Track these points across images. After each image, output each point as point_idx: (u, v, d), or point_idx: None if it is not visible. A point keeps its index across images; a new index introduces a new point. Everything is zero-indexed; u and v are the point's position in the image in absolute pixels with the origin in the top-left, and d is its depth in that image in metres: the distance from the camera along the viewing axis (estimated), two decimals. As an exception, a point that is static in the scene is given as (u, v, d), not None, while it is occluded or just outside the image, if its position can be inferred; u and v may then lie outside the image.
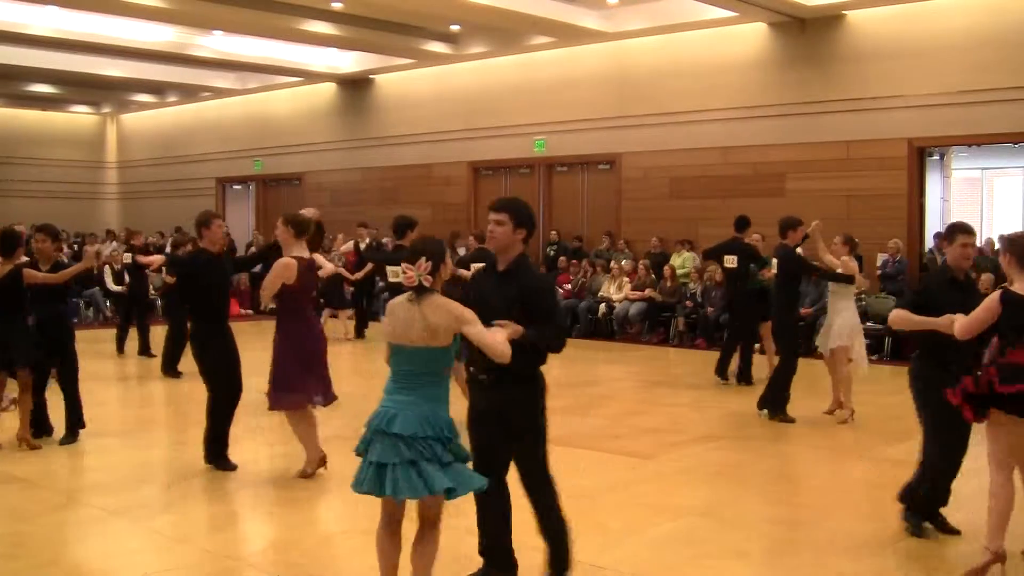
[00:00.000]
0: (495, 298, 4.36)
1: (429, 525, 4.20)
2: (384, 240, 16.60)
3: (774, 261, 9.48)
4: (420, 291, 4.10)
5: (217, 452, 7.09)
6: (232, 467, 7.08)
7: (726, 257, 11.43)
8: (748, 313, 11.42)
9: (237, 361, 7.20)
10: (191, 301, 7.34)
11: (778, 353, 9.53)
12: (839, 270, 8.92)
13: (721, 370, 11.45)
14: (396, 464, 3.96)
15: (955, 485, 5.57)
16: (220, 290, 7.26)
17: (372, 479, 4.02)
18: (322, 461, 6.93)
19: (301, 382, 6.76)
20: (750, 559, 5.32)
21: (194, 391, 10.39)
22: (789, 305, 9.35)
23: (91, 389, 10.94)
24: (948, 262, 5.56)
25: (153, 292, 19.18)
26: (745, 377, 11.35)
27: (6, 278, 7.58)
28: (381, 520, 4.23)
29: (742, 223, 11.48)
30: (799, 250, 9.48)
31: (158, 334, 13.94)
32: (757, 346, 12.00)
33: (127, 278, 14.14)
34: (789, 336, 9.42)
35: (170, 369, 11.73)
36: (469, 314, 4.08)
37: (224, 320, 7.20)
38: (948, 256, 5.57)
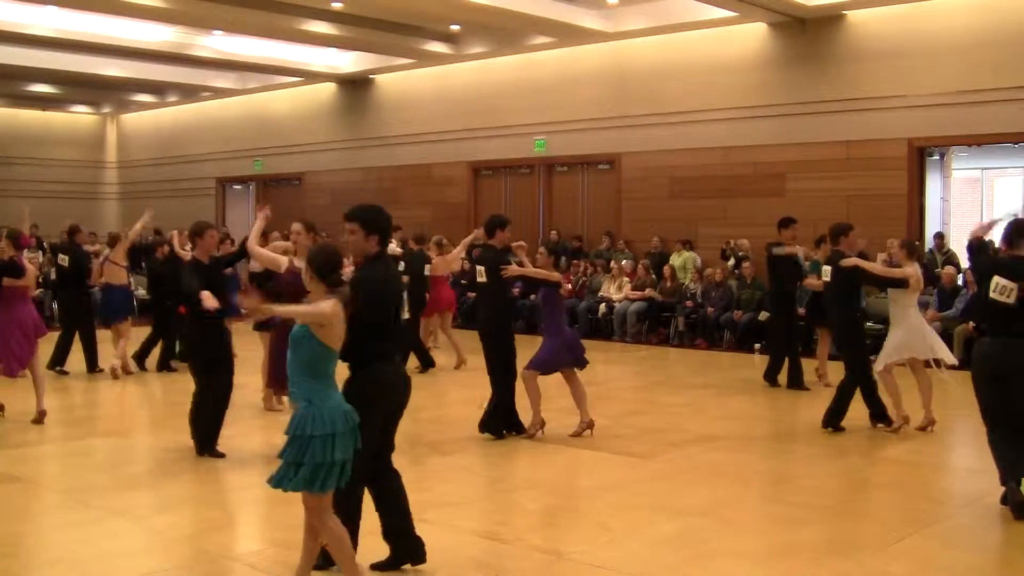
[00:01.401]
0: None
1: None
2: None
3: (826, 268, 8.94)
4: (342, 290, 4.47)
5: (206, 442, 7.47)
6: (220, 455, 7.45)
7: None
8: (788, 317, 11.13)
9: (224, 360, 7.54)
10: (184, 304, 7.67)
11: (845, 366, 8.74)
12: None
13: (797, 379, 10.95)
14: None
15: (960, 486, 5.57)
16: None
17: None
18: None
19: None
20: (750, 559, 5.32)
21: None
22: (848, 315, 8.74)
23: (91, 389, 10.98)
24: None
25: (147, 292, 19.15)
26: (771, 379, 11.11)
27: None
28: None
29: (779, 223, 11.18)
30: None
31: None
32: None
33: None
34: (851, 348, 8.74)
35: (140, 364, 12.08)
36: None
37: (215, 323, 7.44)
38: None
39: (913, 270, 8.46)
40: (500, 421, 8.24)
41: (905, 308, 8.49)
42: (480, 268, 8.30)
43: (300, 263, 7.26)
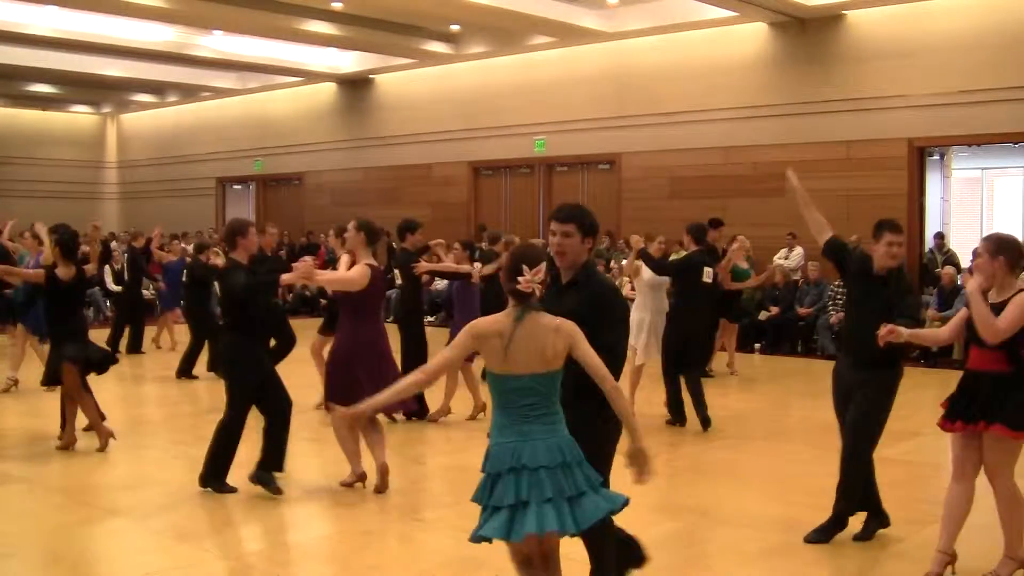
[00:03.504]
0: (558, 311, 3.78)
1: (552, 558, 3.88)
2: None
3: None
4: (526, 302, 3.64)
5: (216, 474, 6.48)
6: (232, 490, 6.50)
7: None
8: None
9: (271, 381, 6.53)
10: (224, 312, 6.72)
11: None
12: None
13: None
14: (550, 499, 3.58)
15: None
16: (255, 302, 6.51)
17: (514, 524, 3.63)
18: (361, 478, 6.51)
19: (351, 390, 6.24)
20: (750, 559, 5.31)
21: (195, 391, 10.42)
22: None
23: (92, 389, 10.96)
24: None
25: (153, 293, 19.20)
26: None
27: (74, 279, 7.61)
28: (519, 563, 3.86)
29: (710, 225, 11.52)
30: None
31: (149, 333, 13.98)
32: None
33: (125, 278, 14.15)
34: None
35: (185, 372, 11.65)
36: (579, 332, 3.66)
37: (258, 334, 6.61)
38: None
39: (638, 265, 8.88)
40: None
41: (645, 298, 9.00)
42: (396, 271, 8.98)
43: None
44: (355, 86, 21.78)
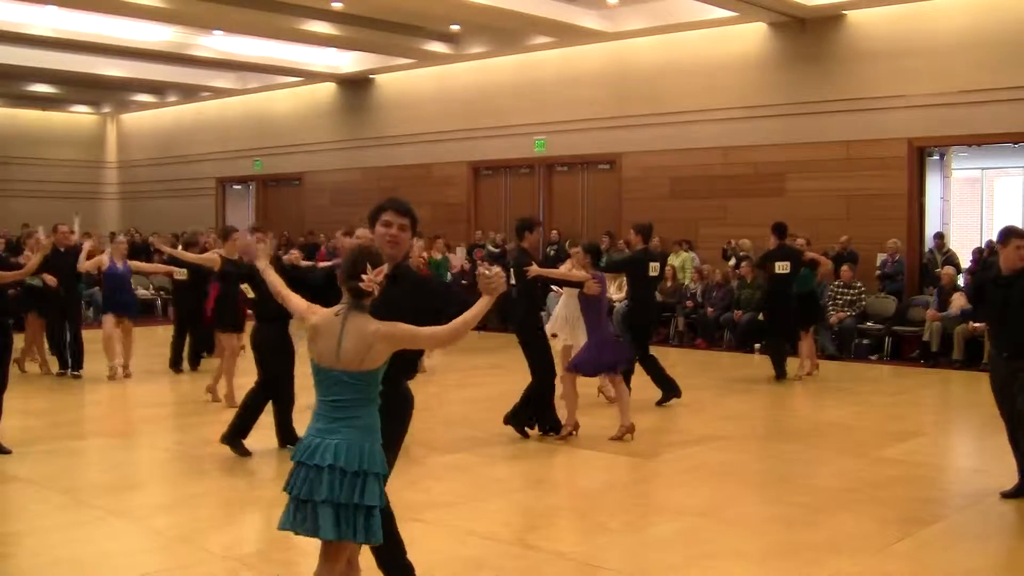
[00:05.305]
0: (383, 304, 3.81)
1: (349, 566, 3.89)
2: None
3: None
4: (360, 300, 3.67)
5: (237, 435, 7.45)
6: (247, 453, 7.44)
7: (778, 264, 11.47)
8: (794, 315, 11.67)
9: (289, 360, 7.62)
10: (261, 303, 7.56)
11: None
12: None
13: (783, 372, 11.58)
14: (325, 502, 3.67)
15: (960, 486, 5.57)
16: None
17: (296, 517, 3.78)
18: None
19: None
20: (750, 559, 5.31)
21: (195, 391, 10.42)
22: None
23: (92, 389, 10.98)
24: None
25: (153, 292, 19.21)
26: (782, 374, 11.54)
27: None
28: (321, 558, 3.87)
29: (783, 229, 11.52)
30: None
31: (160, 335, 13.97)
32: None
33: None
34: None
35: (175, 365, 11.90)
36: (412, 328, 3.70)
37: (283, 320, 7.47)
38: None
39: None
40: (526, 417, 8.21)
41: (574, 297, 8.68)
42: (511, 270, 8.20)
43: None
44: (355, 86, 21.78)
